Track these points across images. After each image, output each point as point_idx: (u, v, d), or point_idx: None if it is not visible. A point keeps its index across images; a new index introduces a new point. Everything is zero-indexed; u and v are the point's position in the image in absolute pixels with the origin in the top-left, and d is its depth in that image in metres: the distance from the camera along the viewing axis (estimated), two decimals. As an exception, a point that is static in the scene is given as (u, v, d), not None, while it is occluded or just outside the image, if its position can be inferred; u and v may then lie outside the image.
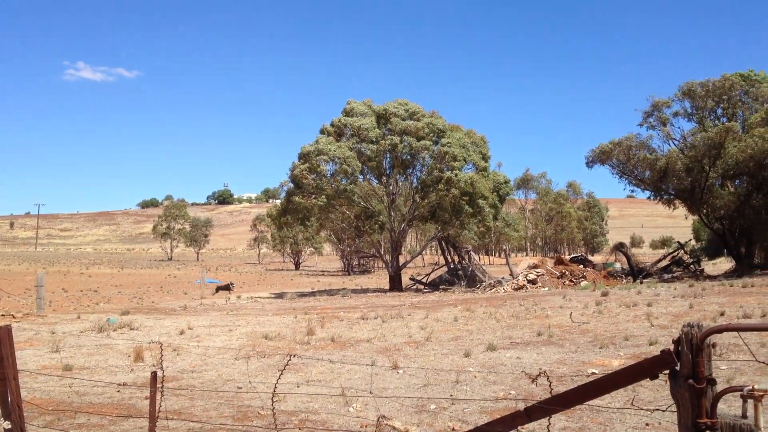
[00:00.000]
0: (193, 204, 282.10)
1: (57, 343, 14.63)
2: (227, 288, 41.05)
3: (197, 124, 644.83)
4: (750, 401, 3.70)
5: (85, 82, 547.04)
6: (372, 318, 19.96)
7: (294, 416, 8.40)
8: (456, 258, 41.66)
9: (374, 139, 37.33)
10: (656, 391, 9.00)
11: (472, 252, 41.92)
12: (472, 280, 36.60)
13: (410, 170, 39.12)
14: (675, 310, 18.73)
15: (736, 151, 32.06)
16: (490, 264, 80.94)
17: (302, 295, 36.35)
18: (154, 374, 6.06)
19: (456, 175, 35.74)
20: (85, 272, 73.87)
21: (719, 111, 37.65)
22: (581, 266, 37.74)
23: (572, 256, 45.75)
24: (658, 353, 3.88)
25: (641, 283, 31.99)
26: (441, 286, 37.70)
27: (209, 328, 18.41)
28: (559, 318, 18.19)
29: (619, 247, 40.49)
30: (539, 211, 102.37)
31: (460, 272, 38.47)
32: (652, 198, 40.24)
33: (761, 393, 3.64)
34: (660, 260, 40.91)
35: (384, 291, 38.14)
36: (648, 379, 3.98)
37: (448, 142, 37.04)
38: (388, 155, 37.93)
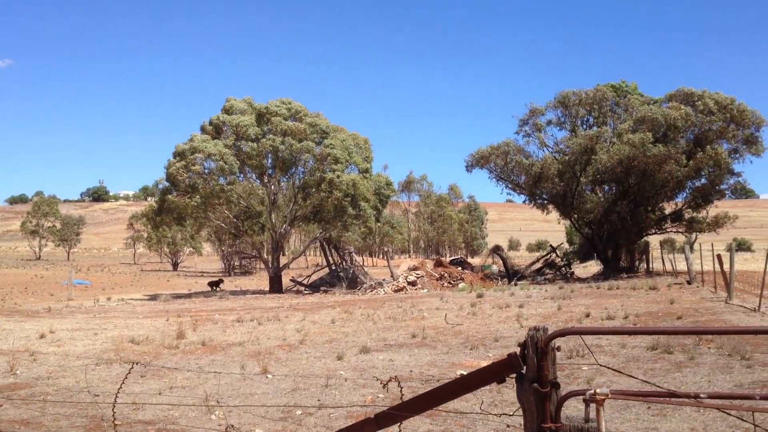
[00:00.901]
0: (65, 201, 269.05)
1: None
2: (218, 283, 41.20)
3: (72, 118, 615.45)
4: (592, 405, 3.73)
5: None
6: (248, 320, 19.60)
7: (151, 426, 8.05)
8: (338, 259, 41.63)
9: (254, 137, 36.65)
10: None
11: (354, 253, 42.03)
12: (354, 282, 36.66)
13: (293, 170, 38.71)
14: (544, 311, 19.34)
15: (606, 157, 33.53)
16: (373, 266, 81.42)
17: (178, 296, 35.27)
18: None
19: (338, 176, 35.63)
20: (-56, 272, 69.09)
21: (591, 120, 39.31)
22: (460, 268, 38.54)
23: (452, 258, 46.67)
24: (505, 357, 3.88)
25: (515, 285, 32.95)
26: (322, 288, 37.55)
27: (73, 331, 17.53)
28: (434, 320, 18.41)
29: (496, 250, 41.58)
30: (422, 213, 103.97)
31: (341, 274, 38.45)
32: (527, 202, 41.49)
33: (603, 397, 3.68)
34: (534, 263, 42.33)
35: (264, 292, 37.60)
36: (495, 383, 3.98)
37: (330, 144, 36.88)
38: (269, 155, 37.36)
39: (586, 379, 9.46)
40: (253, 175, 38.91)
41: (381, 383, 5.02)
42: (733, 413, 3.50)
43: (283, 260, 43.25)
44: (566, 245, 68.55)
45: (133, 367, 6.50)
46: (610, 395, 3.63)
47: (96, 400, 9.40)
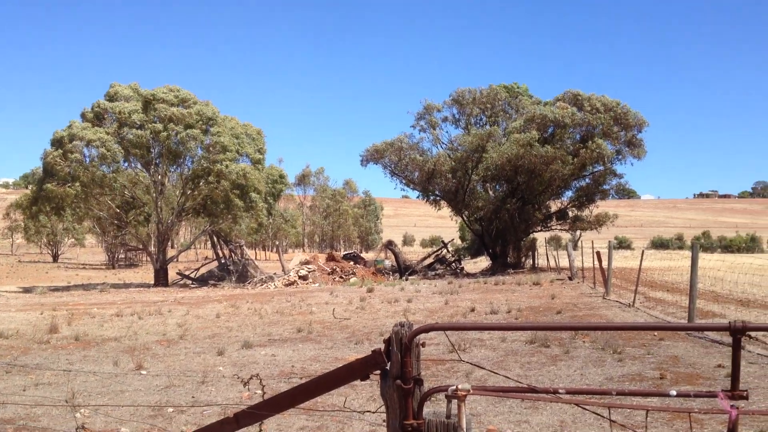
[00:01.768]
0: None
1: None
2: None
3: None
4: (455, 401, 3.67)
5: None
6: (128, 315, 18.87)
7: (10, 424, 7.54)
8: (228, 252, 40.82)
9: (139, 124, 35.23)
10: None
11: (244, 247, 41.28)
12: (244, 276, 36.02)
13: (181, 160, 37.48)
14: (432, 306, 19.53)
15: (496, 155, 34.24)
16: (266, 259, 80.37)
17: (55, 289, 33.65)
18: None
19: (227, 166, 34.77)
20: None
21: (484, 119, 40.07)
22: (353, 263, 38.53)
23: (345, 253, 46.65)
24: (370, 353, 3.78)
25: (406, 280, 33.23)
26: (210, 282, 36.70)
27: (-66, 326, 16.35)
28: (322, 314, 18.26)
29: (389, 245, 41.83)
30: (317, 207, 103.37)
31: (231, 267, 37.70)
32: (420, 198, 41.93)
33: (464, 393, 3.62)
34: (425, 258, 42.85)
35: (148, 286, 36.37)
36: (359, 380, 3.88)
37: (218, 132, 35.87)
38: (156, 143, 36.02)
39: (465, 372, 9.54)
40: (139, 164, 37.43)
41: (242, 382, 4.82)
42: (589, 408, 3.51)
43: (171, 253, 42.00)
44: (458, 241, 69.92)
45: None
46: (471, 391, 3.58)
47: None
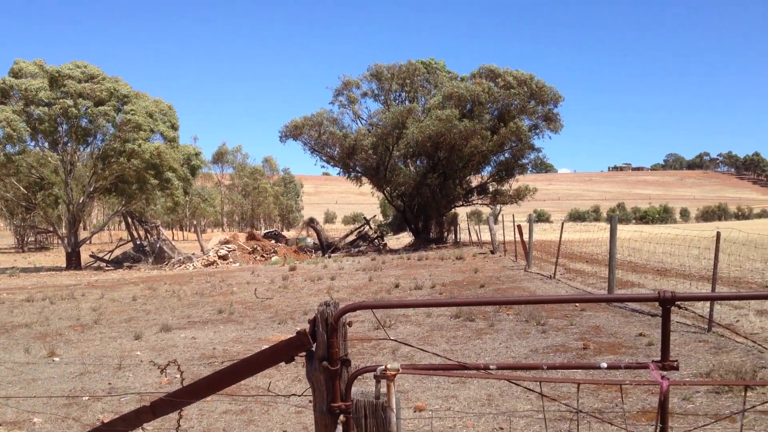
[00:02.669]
0: None
1: None
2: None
3: None
4: (383, 381, 3.51)
5: None
6: (39, 299, 18.11)
7: None
8: (143, 233, 39.69)
9: (46, 102, 33.59)
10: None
11: (161, 227, 40.16)
12: (161, 257, 35.05)
13: (91, 138, 35.99)
14: (356, 283, 19.41)
15: (416, 131, 34.24)
16: (184, 240, 78.81)
17: (-41, 275, 32.05)
18: None
19: (140, 145, 33.58)
20: None
21: (403, 95, 40.01)
22: (274, 241, 38.06)
23: (266, 231, 46.07)
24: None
25: (329, 257, 33.05)
26: (126, 264, 35.55)
27: None
28: (244, 294, 17.93)
29: (311, 223, 41.52)
30: (236, 186, 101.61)
31: (147, 248, 36.64)
32: (341, 174, 41.66)
33: (393, 372, 3.47)
34: (348, 235, 42.73)
35: (60, 269, 35.02)
36: (284, 363, 3.68)
37: (132, 110, 34.55)
38: (65, 122, 34.41)
39: (392, 349, 9.42)
40: (47, 143, 35.72)
41: (159, 368, 4.52)
42: (522, 384, 3.39)
43: (84, 235, 40.51)
44: (381, 218, 70.10)
45: None
46: (401, 370, 3.44)
47: None
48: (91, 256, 38.96)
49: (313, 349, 3.53)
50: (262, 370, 3.82)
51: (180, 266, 31.59)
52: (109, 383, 8.49)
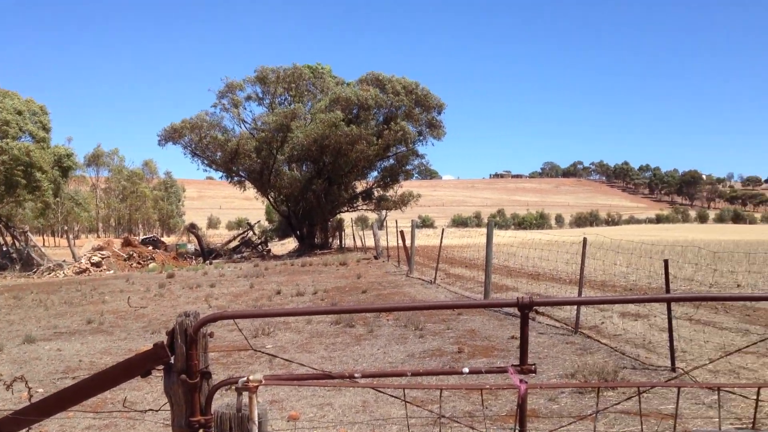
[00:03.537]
0: None
1: None
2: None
3: None
4: (245, 393, 3.38)
5: None
6: None
7: None
8: (10, 239, 37.48)
9: None
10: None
11: (29, 233, 38.05)
12: (29, 264, 33.17)
13: (-48, 137, 33.64)
14: (236, 290, 19.01)
15: (301, 135, 33.98)
16: (56, 246, 75.06)
17: None
18: None
19: (7, 144, 31.65)
20: None
21: (289, 98, 39.64)
22: (152, 247, 36.81)
23: (144, 237, 44.52)
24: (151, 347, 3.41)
25: (210, 263, 32.29)
26: (-12, 272, 33.43)
27: None
28: (116, 303, 17.20)
29: (191, 228, 40.48)
30: (113, 190, 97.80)
31: (14, 255, 34.60)
32: (224, 179, 40.82)
33: (255, 384, 3.34)
34: (230, 241, 41.91)
35: None
36: (140, 377, 3.49)
37: (-1, 107, 32.63)
38: None
39: (269, 358, 9.24)
40: None
41: (4, 385, 4.20)
42: (387, 392, 3.35)
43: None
44: (265, 223, 69.20)
45: None
46: (263, 382, 3.32)
47: None
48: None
49: (172, 361, 3.37)
50: (115, 385, 3.61)
51: (49, 274, 30.02)
52: (-40, 401, 7.89)
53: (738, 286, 15.44)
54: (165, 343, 3.36)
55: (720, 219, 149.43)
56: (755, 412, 2.77)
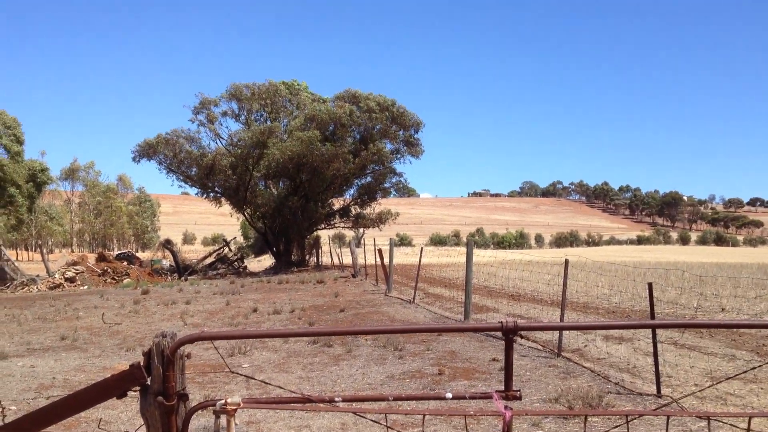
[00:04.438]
0: None
1: None
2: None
3: None
4: (224, 416, 3.31)
5: None
6: None
7: None
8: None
9: None
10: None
11: (2, 247, 37.45)
12: (2, 278, 32.64)
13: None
14: (212, 307, 18.80)
15: (278, 152, 33.84)
16: (29, 261, 74.03)
17: None
18: None
19: (-19, 157, 31.32)
20: None
21: (264, 114, 39.50)
22: (126, 263, 36.36)
23: (119, 252, 44.03)
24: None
25: (186, 280, 31.99)
26: (-39, 286, 32.86)
27: None
28: (90, 319, 16.94)
29: (167, 244, 40.07)
30: (87, 204, 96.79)
31: (-15, 270, 34.04)
32: (199, 195, 40.49)
33: (234, 407, 3.26)
34: (206, 257, 41.53)
35: None
36: (115, 398, 3.39)
37: (-30, 121, 32.18)
38: None
39: (245, 377, 9.09)
40: None
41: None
42: (367, 417, 3.28)
43: None
44: (241, 239, 68.80)
45: None
46: (242, 405, 3.26)
47: None
48: None
49: (148, 383, 3.28)
50: (90, 406, 3.50)
51: (23, 289, 29.53)
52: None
53: (723, 310, 15.48)
54: (141, 363, 3.27)
55: (702, 241, 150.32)
56: (746, 441, 2.72)
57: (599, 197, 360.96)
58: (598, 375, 8.68)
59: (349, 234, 57.14)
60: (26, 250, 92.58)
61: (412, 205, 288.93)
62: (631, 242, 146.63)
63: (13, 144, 34.23)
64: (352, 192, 40.66)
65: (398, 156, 38.24)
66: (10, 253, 44.28)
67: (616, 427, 5.55)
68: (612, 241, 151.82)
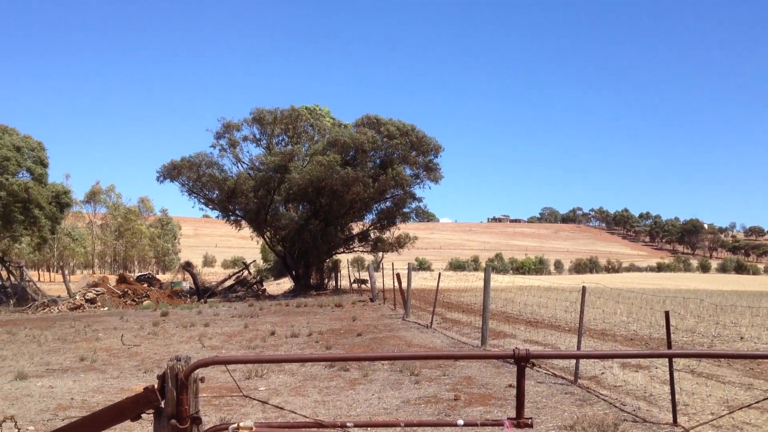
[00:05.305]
0: None
1: None
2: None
3: None
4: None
5: None
6: None
7: None
8: (6, 274, 37.30)
9: None
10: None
11: (24, 267, 37.89)
12: (24, 299, 32.98)
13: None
14: (230, 330, 18.85)
15: (298, 176, 34.09)
16: (51, 282, 74.82)
17: None
18: None
19: (8, 180, 31.77)
20: None
21: (286, 138, 39.86)
22: (147, 285, 36.61)
23: (139, 274, 44.36)
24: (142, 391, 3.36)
25: (205, 302, 32.13)
26: (-17, 307, 33.21)
27: None
28: (110, 340, 17.03)
29: (187, 266, 40.32)
30: (109, 226, 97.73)
31: (9, 290, 34.41)
32: (221, 218, 40.82)
33: (246, 431, 3.30)
34: (226, 279, 41.73)
35: None
36: (130, 420, 3.44)
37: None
38: None
39: (265, 397, 9.15)
40: None
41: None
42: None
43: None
44: (261, 262, 69.08)
45: None
46: (254, 429, 3.29)
47: None
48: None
49: (162, 406, 3.32)
50: (104, 429, 3.55)
51: (44, 309, 29.79)
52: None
53: (741, 338, 15.30)
54: (155, 387, 3.31)
55: (723, 269, 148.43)
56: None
57: (619, 224, 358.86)
58: (615, 403, 8.61)
59: (368, 258, 57.16)
60: (48, 270, 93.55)
61: (431, 230, 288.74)
62: (651, 269, 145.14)
63: (37, 166, 34.80)
64: (371, 216, 40.81)
65: (418, 181, 38.39)
66: (32, 274, 44.74)
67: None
68: (632, 268, 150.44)
